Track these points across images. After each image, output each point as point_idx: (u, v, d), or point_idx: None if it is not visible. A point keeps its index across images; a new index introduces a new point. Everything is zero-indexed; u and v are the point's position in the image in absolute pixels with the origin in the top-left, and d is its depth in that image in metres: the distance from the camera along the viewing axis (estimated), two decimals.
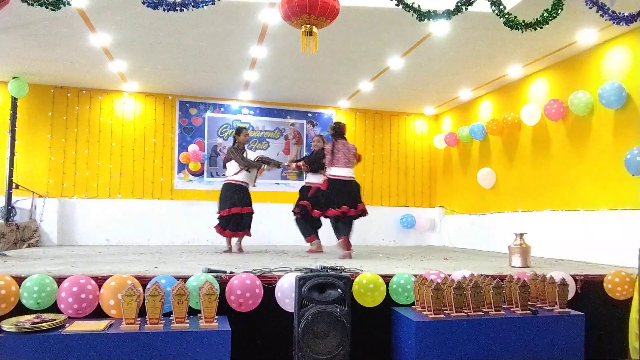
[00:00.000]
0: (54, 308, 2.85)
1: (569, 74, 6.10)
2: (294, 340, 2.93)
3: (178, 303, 2.74)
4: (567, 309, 3.34)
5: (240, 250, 6.04)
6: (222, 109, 8.52)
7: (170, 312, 2.78)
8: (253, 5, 4.95)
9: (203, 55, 6.38)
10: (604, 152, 5.52)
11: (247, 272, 3.31)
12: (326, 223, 6.32)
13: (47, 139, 7.71)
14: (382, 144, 9.22)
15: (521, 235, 4.81)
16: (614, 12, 4.01)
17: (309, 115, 8.93)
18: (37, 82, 7.50)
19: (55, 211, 7.40)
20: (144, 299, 2.71)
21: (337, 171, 5.40)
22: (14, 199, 7.17)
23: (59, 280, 2.91)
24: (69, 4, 3.58)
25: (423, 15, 3.93)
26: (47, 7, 3.53)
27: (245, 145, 6.30)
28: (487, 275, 3.48)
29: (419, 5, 3.93)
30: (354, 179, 5.50)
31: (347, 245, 5.25)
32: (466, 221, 8.17)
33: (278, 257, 5.18)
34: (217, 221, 6.06)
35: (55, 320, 2.63)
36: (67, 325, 2.66)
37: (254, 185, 6.26)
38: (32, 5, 3.50)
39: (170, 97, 8.28)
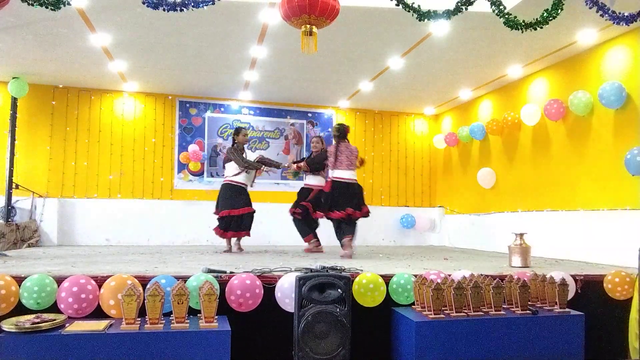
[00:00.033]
0: (54, 308, 2.85)
1: (569, 74, 6.10)
2: (294, 340, 2.93)
3: (178, 303, 2.74)
4: (567, 309, 3.34)
5: (239, 249, 6.05)
6: (222, 109, 8.52)
7: (170, 312, 2.78)
8: (253, 5, 4.95)
9: (203, 55, 6.38)
10: (604, 152, 5.52)
11: (247, 272, 3.31)
12: (325, 223, 6.33)
13: (47, 139, 7.71)
14: (382, 144, 9.22)
15: (521, 235, 4.81)
16: (614, 12, 4.01)
17: (309, 115, 8.93)
18: (37, 82, 7.50)
19: (55, 211, 7.40)
20: (144, 299, 2.71)
21: (340, 173, 5.40)
22: (14, 199, 7.17)
23: (59, 280, 2.91)
24: (69, 4, 3.58)
25: (423, 15, 3.93)
26: (47, 7, 3.53)
27: (245, 146, 6.29)
28: (487, 275, 3.48)
29: (419, 5, 3.93)
30: (356, 181, 5.51)
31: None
32: (466, 221, 8.17)
33: (278, 257, 5.18)
34: (217, 222, 6.05)
35: (55, 320, 2.63)
36: (67, 325, 2.66)
37: (252, 186, 6.25)
38: (32, 5, 3.50)
39: (170, 97, 8.28)
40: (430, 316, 3.07)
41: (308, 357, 2.89)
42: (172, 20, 5.08)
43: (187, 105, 8.36)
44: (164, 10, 3.63)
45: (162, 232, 7.80)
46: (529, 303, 3.32)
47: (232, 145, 6.20)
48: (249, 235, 6.03)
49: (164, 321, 2.76)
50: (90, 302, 2.85)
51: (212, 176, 8.33)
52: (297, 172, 6.42)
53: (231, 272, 3.33)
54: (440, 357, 2.99)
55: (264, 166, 6.23)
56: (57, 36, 5.71)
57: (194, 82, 7.63)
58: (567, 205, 5.94)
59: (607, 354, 3.69)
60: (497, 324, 3.12)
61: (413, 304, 3.35)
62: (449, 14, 3.93)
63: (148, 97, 8.20)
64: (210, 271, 3.31)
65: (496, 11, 3.97)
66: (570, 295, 3.54)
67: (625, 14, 4.04)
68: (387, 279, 3.36)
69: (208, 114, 8.45)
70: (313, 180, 6.28)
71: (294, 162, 6.56)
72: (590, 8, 3.98)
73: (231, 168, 6.09)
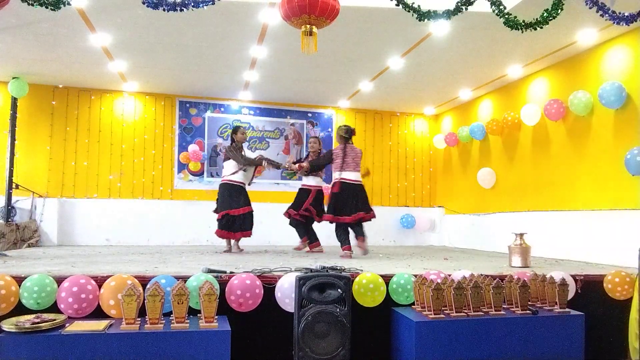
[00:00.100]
0: (54, 308, 2.85)
1: (569, 74, 6.11)
2: (294, 340, 2.93)
3: (178, 303, 2.74)
4: (567, 309, 3.34)
5: (239, 249, 6.02)
6: (222, 109, 8.52)
7: (170, 312, 2.78)
8: (253, 5, 4.95)
9: (203, 55, 6.38)
10: (604, 152, 5.52)
11: (247, 272, 3.31)
12: (321, 225, 6.35)
13: (47, 139, 7.72)
14: (382, 144, 9.22)
15: (521, 235, 4.81)
16: (614, 12, 4.01)
17: (309, 115, 8.93)
18: (37, 82, 7.50)
19: (55, 211, 7.40)
20: (144, 299, 2.71)
21: (348, 175, 5.41)
22: (14, 199, 7.17)
23: (59, 280, 2.91)
24: (69, 4, 3.59)
25: (423, 15, 3.93)
26: (47, 7, 3.53)
27: (245, 145, 6.27)
28: (487, 275, 3.48)
29: (419, 5, 3.93)
30: (361, 182, 5.56)
31: (358, 247, 5.43)
32: (466, 221, 8.17)
33: (278, 257, 5.18)
34: (217, 223, 6.01)
35: (55, 320, 2.63)
36: (67, 325, 2.66)
37: (249, 185, 6.22)
38: (32, 5, 3.50)
39: (170, 97, 8.28)
40: (430, 316, 3.07)
41: (308, 357, 2.89)
42: (172, 20, 5.08)
43: (187, 105, 8.36)
44: (164, 10, 3.63)
45: (162, 232, 7.80)
46: (529, 303, 3.32)
47: (231, 144, 6.18)
48: (250, 235, 6.00)
49: (164, 321, 2.76)
50: (90, 302, 2.85)
51: (212, 176, 8.33)
52: (295, 172, 6.39)
53: (231, 272, 3.33)
54: (440, 357, 2.99)
55: (264, 161, 6.18)
56: (57, 36, 5.71)
57: (194, 82, 7.63)
58: (567, 205, 5.94)
59: (607, 354, 3.69)
60: (497, 324, 3.12)
61: (413, 304, 3.35)
62: (449, 14, 3.94)
63: (148, 97, 8.20)
64: (210, 271, 3.31)
65: (496, 11, 3.97)
66: (570, 295, 3.54)
67: (625, 14, 4.04)
68: (387, 279, 3.36)
69: (208, 114, 8.45)
70: (312, 181, 6.28)
71: (295, 162, 6.55)
72: (590, 8, 3.98)
73: (229, 167, 6.03)
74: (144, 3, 3.63)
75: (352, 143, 5.63)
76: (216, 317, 2.82)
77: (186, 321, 2.75)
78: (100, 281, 2.96)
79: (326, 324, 2.94)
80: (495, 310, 3.18)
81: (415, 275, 3.37)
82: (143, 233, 7.73)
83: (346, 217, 5.30)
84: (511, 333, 3.12)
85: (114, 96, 8.05)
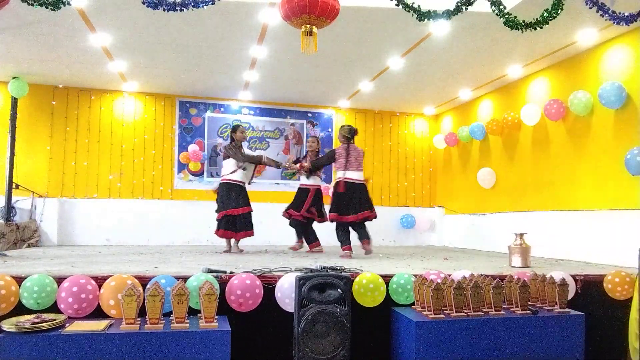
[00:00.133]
0: (54, 308, 2.85)
1: (569, 74, 6.11)
2: (294, 340, 2.93)
3: (178, 303, 2.74)
4: (567, 309, 3.34)
5: (238, 249, 6.00)
6: (222, 109, 8.52)
7: (170, 312, 2.78)
8: (253, 5, 4.95)
9: (203, 55, 6.38)
10: (604, 152, 5.52)
11: (247, 272, 3.31)
12: (321, 225, 6.35)
13: (47, 139, 7.72)
14: (382, 144, 9.22)
15: (521, 235, 4.81)
16: (614, 12, 4.01)
17: (309, 115, 8.93)
18: (37, 82, 7.50)
19: (55, 211, 7.40)
20: (144, 299, 2.71)
21: (352, 174, 5.45)
22: (14, 199, 7.17)
23: (59, 280, 2.91)
24: (69, 4, 3.59)
25: (423, 15, 3.93)
26: (47, 7, 3.53)
27: (244, 144, 6.25)
28: (487, 275, 3.48)
29: (419, 5, 3.93)
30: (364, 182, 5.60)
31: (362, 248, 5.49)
32: (466, 221, 8.17)
33: (278, 257, 5.18)
34: (216, 223, 5.99)
35: (55, 320, 2.63)
36: (67, 325, 2.65)
37: (249, 184, 6.20)
38: (32, 5, 3.50)
39: (170, 97, 8.28)
40: (430, 316, 3.07)
41: (308, 357, 2.89)
42: (172, 20, 5.08)
43: (187, 105, 8.36)
44: (163, 10, 3.63)
45: (162, 232, 7.80)
46: (529, 303, 3.32)
47: (231, 142, 6.17)
48: (252, 234, 5.97)
49: (164, 321, 2.76)
50: (90, 302, 2.85)
51: (212, 176, 8.33)
52: (295, 172, 6.38)
53: (231, 272, 3.33)
54: (440, 357, 2.99)
55: (264, 158, 6.16)
56: (57, 36, 5.71)
57: (194, 82, 7.63)
58: (567, 205, 5.94)
59: (607, 354, 3.69)
60: (497, 324, 3.12)
61: (413, 304, 3.35)
62: (449, 14, 3.94)
63: (148, 97, 8.20)
64: (210, 271, 3.31)
65: (496, 11, 3.97)
66: (570, 295, 3.54)
67: (625, 14, 4.04)
68: (387, 279, 3.36)
69: (208, 114, 8.45)
70: (310, 181, 6.28)
71: (295, 162, 6.55)
72: (590, 8, 3.98)
73: (228, 166, 5.99)
74: (144, 3, 3.63)
75: (354, 143, 5.65)
76: (216, 317, 2.81)
77: (186, 321, 2.75)
78: (100, 281, 2.96)
79: (326, 324, 2.93)
80: (495, 310, 3.18)
81: (415, 275, 3.37)
82: (143, 233, 7.73)
83: (352, 216, 5.33)
84: (511, 333, 3.12)
85: (114, 96, 8.05)
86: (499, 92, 7.56)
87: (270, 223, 7.47)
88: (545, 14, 3.97)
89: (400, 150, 9.32)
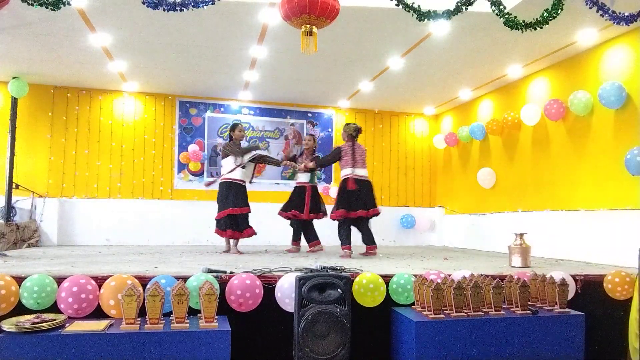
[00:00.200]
0: (54, 308, 2.85)
1: (569, 74, 6.10)
2: (294, 340, 2.93)
3: (178, 303, 2.74)
4: (567, 309, 3.34)
5: (238, 252, 5.93)
6: (222, 109, 8.52)
7: (170, 312, 2.78)
8: (253, 5, 4.95)
9: (203, 55, 6.38)
10: (604, 152, 5.52)
11: (247, 272, 3.31)
12: (324, 224, 6.35)
13: (47, 139, 7.72)
14: (382, 144, 9.22)
15: (521, 235, 4.81)
16: (614, 12, 4.01)
17: (309, 115, 8.93)
18: (37, 82, 7.50)
19: (55, 211, 7.40)
20: (144, 299, 2.71)
21: (360, 171, 5.55)
22: (14, 199, 7.17)
23: (59, 280, 2.91)
24: (69, 4, 3.59)
25: (423, 15, 3.93)
26: (47, 7, 3.53)
27: (242, 143, 6.23)
28: (487, 275, 3.48)
29: (419, 5, 3.93)
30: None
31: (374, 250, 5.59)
32: (466, 221, 8.17)
33: (278, 257, 5.18)
34: (215, 223, 5.97)
35: (55, 320, 2.63)
36: (67, 325, 2.65)
37: (251, 183, 6.17)
38: (32, 5, 3.50)
39: (170, 97, 8.28)
40: (430, 316, 3.07)
41: (308, 357, 2.89)
42: (172, 20, 5.08)
43: (187, 105, 8.36)
44: (164, 10, 3.63)
45: (162, 232, 7.80)
46: (529, 303, 3.32)
47: (229, 141, 6.16)
48: (256, 233, 5.92)
49: (164, 321, 2.76)
50: (90, 302, 2.85)
51: (212, 176, 8.33)
52: (295, 172, 6.38)
53: (231, 272, 3.33)
54: (440, 357, 2.99)
55: (260, 151, 6.12)
56: (57, 36, 5.71)
57: (194, 82, 7.63)
58: (567, 205, 5.94)
59: (607, 354, 3.69)
60: (497, 324, 3.12)
61: (413, 304, 3.35)
62: (449, 14, 3.93)
63: (148, 97, 8.20)
64: (210, 271, 3.31)
65: (496, 11, 3.97)
66: (570, 295, 3.54)
67: (625, 14, 4.04)
68: (387, 279, 3.36)
69: (208, 114, 8.45)
70: (306, 179, 6.30)
71: (291, 159, 6.54)
72: (590, 8, 3.98)
73: (227, 165, 5.95)
74: (144, 3, 3.63)
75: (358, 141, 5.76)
76: (216, 317, 2.81)
77: (186, 321, 2.75)
78: (100, 281, 2.96)
79: (326, 324, 2.93)
80: (495, 310, 3.18)
81: (415, 275, 3.37)
82: (143, 233, 7.73)
83: (360, 211, 5.38)
84: (511, 333, 3.12)
85: (114, 96, 8.05)
86: (499, 92, 7.56)
87: (270, 223, 7.46)
88: (545, 14, 3.97)
89: (400, 150, 9.32)
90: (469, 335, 3.05)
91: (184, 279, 3.03)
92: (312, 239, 6.30)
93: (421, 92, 8.07)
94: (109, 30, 5.56)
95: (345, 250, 5.35)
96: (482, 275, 3.47)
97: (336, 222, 5.61)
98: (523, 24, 3.97)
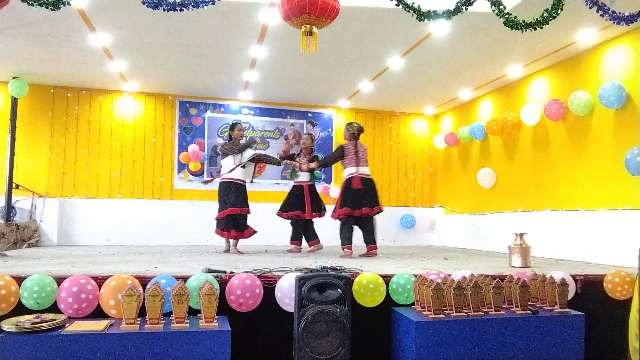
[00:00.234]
0: (54, 308, 2.85)
1: (569, 74, 6.10)
2: (294, 340, 2.93)
3: (178, 303, 2.74)
4: (567, 309, 3.34)
5: (238, 252, 5.94)
6: (222, 109, 8.52)
7: (170, 312, 2.78)
8: (253, 5, 4.95)
9: (203, 55, 6.38)
10: (604, 152, 5.52)
11: (247, 272, 3.31)
12: (324, 224, 6.35)
13: (47, 139, 7.72)
14: (382, 144, 9.22)
15: (521, 235, 4.81)
16: (614, 12, 4.01)
17: (309, 115, 8.93)
18: (37, 82, 7.50)
19: (55, 211, 7.40)
20: (144, 299, 2.71)
21: (364, 169, 5.61)
22: (14, 199, 7.17)
23: (59, 280, 2.91)
24: (69, 4, 3.59)
25: (423, 15, 3.93)
26: (47, 7, 3.53)
27: (241, 141, 6.21)
28: (487, 275, 3.48)
29: (419, 5, 3.93)
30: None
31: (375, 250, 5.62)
32: (466, 221, 8.17)
33: (278, 257, 5.18)
34: (216, 222, 5.96)
35: (55, 320, 2.63)
36: (67, 325, 2.66)
37: (252, 182, 6.17)
38: (32, 5, 3.50)
39: (170, 97, 8.28)
40: (430, 316, 3.07)
41: (308, 357, 2.89)
42: (172, 20, 5.08)
43: (187, 105, 8.36)
44: (164, 10, 3.63)
45: (162, 232, 7.80)
46: (529, 303, 3.32)
47: (228, 140, 6.15)
48: (256, 232, 5.92)
49: (164, 321, 2.76)
50: (90, 302, 2.85)
51: (212, 176, 8.33)
52: (295, 171, 6.37)
53: (231, 272, 3.33)
54: (440, 357, 2.99)
55: (259, 150, 6.15)
56: (57, 36, 5.71)
57: (194, 82, 7.63)
58: (567, 205, 5.94)
59: (607, 354, 3.69)
60: (497, 324, 3.12)
61: (413, 304, 3.35)
62: (449, 14, 3.94)
63: (148, 97, 8.20)
64: (210, 271, 3.31)
65: (496, 11, 3.97)
66: (570, 295, 3.54)
67: (625, 14, 4.04)
68: (387, 279, 3.36)
69: (208, 114, 8.45)
70: (304, 177, 6.30)
71: (288, 157, 6.54)
72: (590, 8, 3.98)
73: (227, 164, 5.94)
74: (144, 3, 3.63)
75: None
76: (216, 317, 2.81)
77: (186, 321, 2.75)
78: (100, 281, 2.96)
79: (326, 324, 2.93)
80: (495, 310, 3.18)
81: (415, 275, 3.37)
82: (143, 233, 7.73)
83: (365, 208, 5.42)
84: (511, 333, 3.12)
85: (114, 96, 8.05)
86: (499, 92, 7.56)
87: (270, 223, 7.46)
88: (545, 14, 3.97)
89: (400, 150, 9.32)
90: (469, 335, 3.05)
91: (184, 279, 3.03)
92: (312, 237, 6.31)
93: (421, 92, 8.07)
94: (109, 30, 5.56)
95: (346, 250, 5.35)
96: (482, 275, 3.47)
97: (337, 222, 5.61)
98: (523, 24, 3.97)
